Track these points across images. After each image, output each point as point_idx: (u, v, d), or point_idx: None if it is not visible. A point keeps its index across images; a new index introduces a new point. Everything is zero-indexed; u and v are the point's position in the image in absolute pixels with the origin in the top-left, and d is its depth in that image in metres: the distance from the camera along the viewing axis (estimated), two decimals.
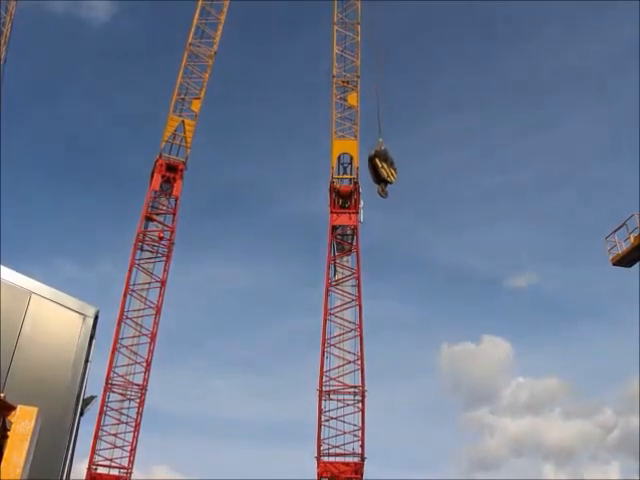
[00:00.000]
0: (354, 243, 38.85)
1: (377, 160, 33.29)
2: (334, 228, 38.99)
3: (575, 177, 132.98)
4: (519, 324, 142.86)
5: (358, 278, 37.61)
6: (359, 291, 37.21)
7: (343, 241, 39.47)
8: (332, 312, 36.91)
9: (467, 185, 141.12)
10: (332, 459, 33.88)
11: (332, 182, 39.59)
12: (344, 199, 39.12)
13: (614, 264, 26.40)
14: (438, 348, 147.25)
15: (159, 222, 45.55)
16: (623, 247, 26.13)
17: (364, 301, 37.07)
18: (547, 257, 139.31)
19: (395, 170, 34.25)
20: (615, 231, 26.51)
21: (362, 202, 39.21)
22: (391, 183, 35.09)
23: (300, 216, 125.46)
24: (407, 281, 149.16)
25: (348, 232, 39.42)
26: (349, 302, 37.28)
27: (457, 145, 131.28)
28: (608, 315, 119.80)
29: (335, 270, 38.81)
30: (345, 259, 39.21)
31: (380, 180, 34.64)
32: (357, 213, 38.89)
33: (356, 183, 39.46)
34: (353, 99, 41.50)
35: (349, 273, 38.26)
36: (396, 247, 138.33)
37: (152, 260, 44.84)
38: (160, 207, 45.75)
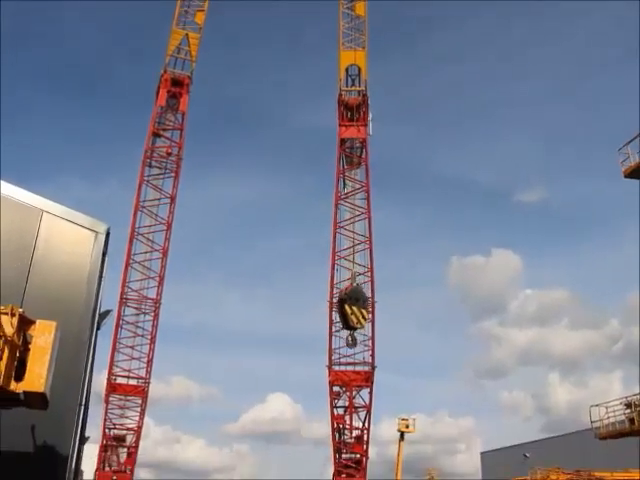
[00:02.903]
0: (363, 156, 38.59)
1: (347, 306, 32.06)
2: (343, 141, 38.64)
3: (586, 87, 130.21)
4: (528, 237, 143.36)
5: (367, 191, 37.57)
6: (368, 204, 37.25)
7: (352, 154, 39.20)
8: (342, 225, 37.07)
9: (474, 98, 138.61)
10: (343, 368, 34.82)
11: (340, 94, 38.97)
12: (352, 111, 38.59)
13: (626, 176, 26.13)
14: (447, 261, 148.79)
15: (166, 138, 45.26)
16: (636, 159, 25.79)
17: (373, 214, 37.20)
18: (557, 170, 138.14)
19: (366, 309, 32.96)
20: (628, 143, 26.05)
21: (371, 114, 38.71)
22: (361, 328, 33.87)
23: (308, 130, 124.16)
24: (416, 195, 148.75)
25: (357, 145, 39.09)
26: (358, 215, 37.36)
27: (461, 59, 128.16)
28: (617, 228, 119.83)
29: (344, 183, 38.72)
30: (354, 172, 39.04)
31: (349, 327, 33.64)
32: (366, 126, 38.43)
33: (364, 95, 38.83)
34: (361, 8, 40.29)
35: (358, 186, 38.17)
36: (405, 161, 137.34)
37: (161, 176, 44.83)
38: (167, 123, 45.34)
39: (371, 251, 36.29)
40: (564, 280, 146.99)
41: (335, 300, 34.15)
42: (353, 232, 37.06)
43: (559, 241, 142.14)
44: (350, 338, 34.30)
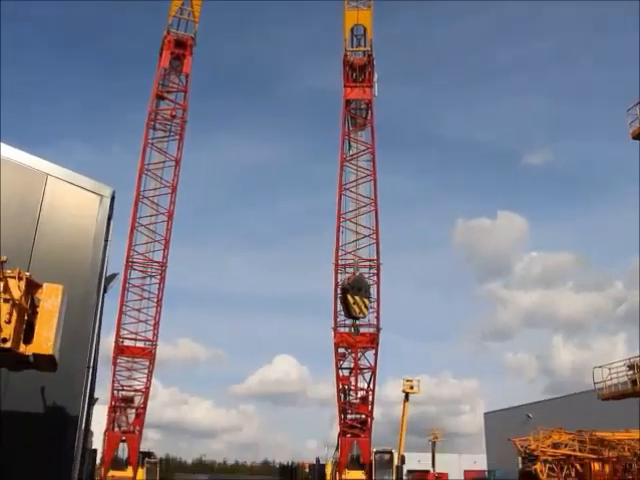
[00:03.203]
0: (368, 117, 38.27)
1: (349, 296, 31.99)
2: (348, 102, 38.28)
3: (593, 48, 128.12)
4: (534, 200, 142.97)
5: (373, 153, 37.34)
6: (374, 166, 37.06)
7: (357, 115, 38.89)
8: (347, 187, 36.96)
9: (481, 59, 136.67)
10: (348, 330, 35.05)
11: (345, 55, 38.48)
12: (358, 72, 38.15)
13: (634, 138, 25.81)
14: (453, 223, 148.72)
15: (170, 100, 44.94)
16: None
17: (378, 176, 37.01)
18: (563, 132, 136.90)
19: (368, 298, 32.86)
20: (638, 104, 25.69)
21: (376, 75, 38.26)
22: (364, 317, 33.68)
23: (313, 91, 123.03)
24: (422, 156, 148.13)
25: (362, 106, 38.74)
26: (364, 177, 37.22)
27: (468, 20, 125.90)
28: (623, 191, 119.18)
29: (350, 145, 38.50)
30: (359, 134, 38.80)
31: (351, 316, 33.37)
32: (371, 87, 38.04)
33: (370, 55, 38.34)
34: None
35: (364, 148, 37.95)
36: (410, 123, 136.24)
37: (165, 139, 44.66)
38: (171, 85, 44.97)
39: (376, 213, 36.27)
40: (569, 243, 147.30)
41: (339, 288, 34.30)
42: (359, 194, 36.95)
43: (565, 204, 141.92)
44: (353, 327, 34.52)
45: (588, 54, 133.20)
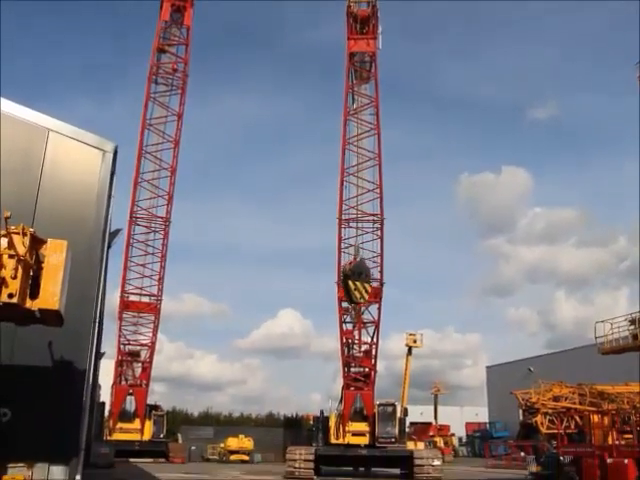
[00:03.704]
0: (372, 70, 37.75)
1: (350, 282, 31.92)
2: (352, 55, 37.71)
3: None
4: (539, 155, 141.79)
5: (377, 106, 36.93)
6: (377, 119, 36.70)
7: (361, 68, 38.34)
8: (350, 141, 36.67)
9: (486, 7, 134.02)
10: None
11: (349, 6, 37.75)
12: (362, 24, 37.48)
13: None
14: (457, 178, 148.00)
15: (172, 54, 44.41)
16: None
17: (382, 130, 36.68)
18: (570, 86, 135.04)
19: (369, 282, 32.56)
20: None
21: (380, 27, 37.60)
22: (365, 302, 33.45)
23: (316, 44, 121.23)
24: (424, 111, 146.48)
25: (366, 59, 38.16)
26: (367, 131, 36.90)
27: None
28: (628, 146, 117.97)
29: (353, 99, 38.05)
30: (363, 87, 38.31)
31: (352, 301, 33.19)
32: (375, 39, 37.41)
33: (374, 7, 37.60)
34: None
35: (367, 101, 37.52)
36: (414, 76, 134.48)
37: (167, 93, 44.28)
38: (172, 38, 44.39)
39: (380, 167, 36.05)
40: (573, 198, 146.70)
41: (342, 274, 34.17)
42: (362, 148, 36.70)
43: (569, 159, 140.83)
44: (354, 312, 34.61)
45: (602, 6, 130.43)
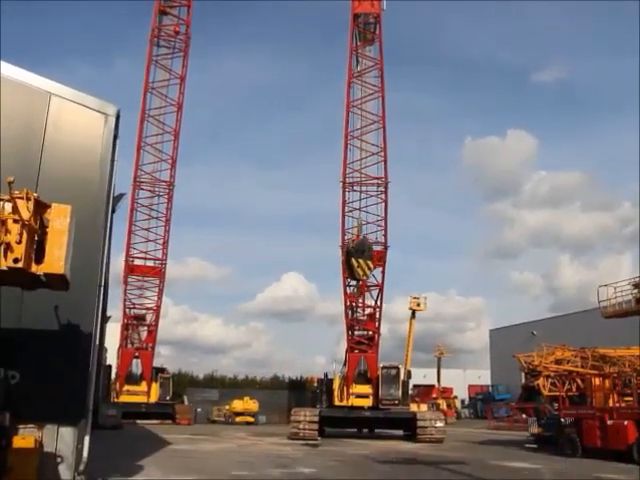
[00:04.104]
0: (376, 32, 37.23)
1: (353, 259, 32.47)
2: (356, 16, 37.17)
3: None
4: (544, 118, 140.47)
5: (381, 69, 36.52)
6: (382, 82, 36.31)
7: (365, 30, 37.82)
8: (354, 104, 36.37)
9: None
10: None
11: None
12: None
13: None
14: (461, 142, 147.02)
15: (174, 15, 43.88)
16: None
17: (386, 93, 36.32)
18: (575, 49, 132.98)
19: (371, 259, 33.01)
20: None
21: None
22: (367, 279, 34.05)
23: (319, 5, 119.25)
24: (430, 74, 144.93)
25: (370, 20, 37.63)
26: (371, 94, 36.55)
27: None
28: (635, 110, 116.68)
29: (357, 61, 37.63)
30: (367, 49, 37.86)
31: (354, 278, 33.54)
32: (380, 0, 36.87)
33: None
34: None
35: (371, 63, 37.10)
36: (418, 39, 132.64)
37: (169, 56, 43.89)
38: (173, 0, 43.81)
39: (384, 130, 35.81)
40: (578, 162, 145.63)
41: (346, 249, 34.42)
42: (366, 111, 36.39)
43: (575, 122, 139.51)
44: (356, 289, 34.64)
45: None
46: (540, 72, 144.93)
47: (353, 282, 35.06)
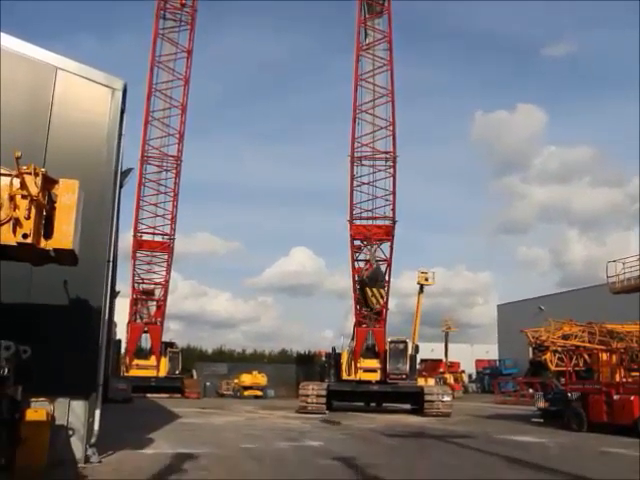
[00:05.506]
0: (385, 4, 36.75)
1: (367, 289, 33.90)
2: None
3: None
4: (554, 93, 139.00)
5: (390, 41, 36.09)
6: (391, 55, 35.89)
7: (373, 2, 37.33)
8: (363, 78, 36.01)
9: None
10: (364, 222, 35.20)
11: None
12: None
13: None
14: (471, 116, 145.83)
15: None
16: None
17: (395, 67, 35.95)
18: (586, 23, 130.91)
19: (383, 288, 34.33)
20: None
21: None
22: (380, 308, 34.69)
23: None
24: (440, 48, 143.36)
25: None
26: (380, 67, 36.18)
27: None
28: None
29: (366, 33, 37.18)
30: (376, 21, 37.35)
31: (368, 307, 34.39)
32: None
33: None
34: None
35: (380, 36, 36.66)
36: (428, 11, 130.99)
37: (176, 29, 43.55)
38: None
39: (393, 104, 35.45)
40: (588, 137, 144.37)
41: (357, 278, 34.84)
42: (375, 85, 36.07)
43: (585, 97, 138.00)
44: (369, 318, 34.72)
45: None
46: (551, 46, 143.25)
47: (361, 256, 35.13)
